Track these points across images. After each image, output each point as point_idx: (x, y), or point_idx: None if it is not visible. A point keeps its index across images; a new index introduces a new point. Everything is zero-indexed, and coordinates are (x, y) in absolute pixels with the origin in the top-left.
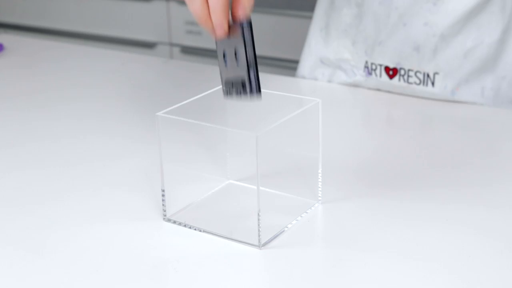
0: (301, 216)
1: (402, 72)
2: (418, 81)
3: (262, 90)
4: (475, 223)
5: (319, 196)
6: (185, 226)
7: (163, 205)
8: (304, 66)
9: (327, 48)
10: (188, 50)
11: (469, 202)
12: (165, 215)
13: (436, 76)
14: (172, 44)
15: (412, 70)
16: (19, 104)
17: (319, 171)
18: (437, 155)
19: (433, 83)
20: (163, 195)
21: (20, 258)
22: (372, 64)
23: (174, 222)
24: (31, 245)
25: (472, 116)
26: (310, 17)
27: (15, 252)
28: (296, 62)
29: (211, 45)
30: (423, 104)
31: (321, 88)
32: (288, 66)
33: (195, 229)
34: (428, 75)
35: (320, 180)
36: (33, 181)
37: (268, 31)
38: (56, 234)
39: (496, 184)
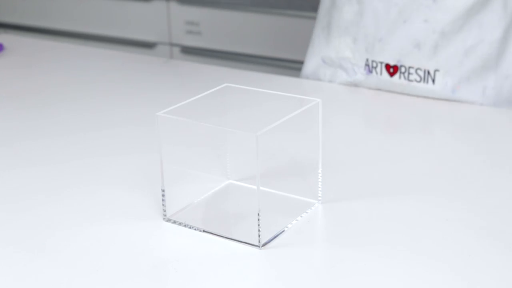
0: (301, 216)
1: (403, 69)
2: (418, 79)
3: (263, 91)
4: (475, 223)
5: (319, 196)
6: (185, 226)
7: (163, 205)
8: (308, 66)
9: (329, 46)
10: (188, 50)
11: (469, 202)
12: (165, 215)
13: (437, 73)
14: (172, 44)
15: (412, 67)
16: (19, 104)
17: (319, 171)
18: (437, 155)
19: (433, 81)
20: (163, 195)
21: (20, 258)
22: (372, 61)
23: (174, 222)
24: (31, 245)
25: (472, 116)
26: (311, 17)
27: (15, 252)
28: (297, 62)
29: (211, 45)
30: (423, 104)
31: (322, 88)
32: (288, 66)
33: (195, 229)
34: (428, 72)
35: (320, 180)
36: (33, 181)
37: (269, 31)
38: (56, 234)
39: (496, 184)
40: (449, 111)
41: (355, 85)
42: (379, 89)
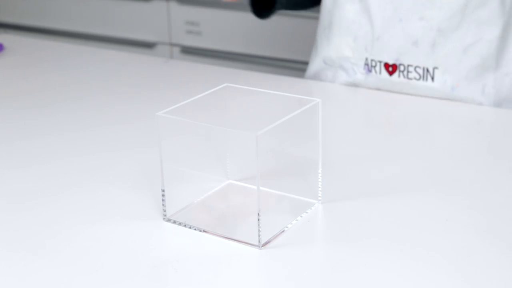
0: (301, 216)
1: (402, 68)
2: (418, 77)
3: (263, 91)
4: (475, 223)
5: (319, 196)
6: (185, 226)
7: (163, 205)
8: (311, 68)
9: (330, 46)
10: (188, 50)
11: (469, 202)
12: (165, 215)
13: (436, 70)
14: (172, 44)
15: (411, 66)
16: (19, 104)
17: (319, 171)
18: (437, 155)
19: (432, 78)
20: (163, 195)
21: (20, 258)
22: (372, 60)
23: (174, 222)
24: (31, 245)
25: (472, 116)
26: (311, 17)
27: (15, 252)
28: (297, 62)
29: (211, 45)
30: (423, 104)
31: (322, 88)
32: (289, 66)
33: (195, 229)
34: (427, 70)
35: (320, 180)
36: (33, 181)
37: (269, 31)
38: (56, 234)
39: (496, 184)
40: (449, 111)
41: (355, 85)
42: (379, 89)
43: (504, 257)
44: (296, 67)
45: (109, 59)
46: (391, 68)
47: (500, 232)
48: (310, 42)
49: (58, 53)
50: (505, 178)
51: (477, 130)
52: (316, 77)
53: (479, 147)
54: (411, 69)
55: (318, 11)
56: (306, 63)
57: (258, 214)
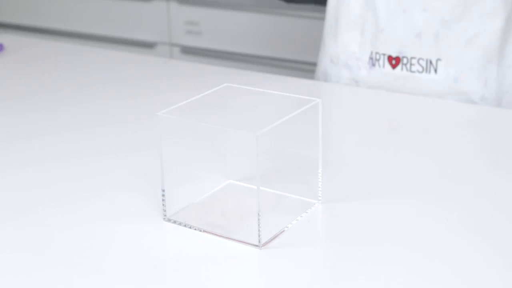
0: (301, 216)
1: (405, 60)
2: (421, 69)
3: (263, 91)
4: (475, 223)
5: (319, 196)
6: (185, 226)
7: (163, 205)
8: (320, 67)
9: (337, 43)
10: (188, 50)
11: (469, 202)
12: (165, 215)
13: (439, 62)
14: (172, 44)
15: (414, 58)
16: (19, 104)
17: (319, 171)
18: (437, 155)
19: (435, 70)
20: (163, 195)
21: (20, 258)
22: (376, 53)
23: (174, 222)
24: (31, 245)
25: (472, 116)
26: (311, 17)
27: (15, 252)
28: (297, 62)
29: (211, 45)
30: (424, 104)
31: (322, 88)
32: (289, 66)
33: (195, 229)
34: (430, 62)
35: (320, 180)
36: (33, 181)
37: (269, 31)
38: (56, 234)
39: (496, 184)
40: (449, 111)
41: (358, 81)
42: (381, 84)
43: (504, 257)
44: (296, 67)
45: (109, 59)
46: (394, 61)
47: (500, 232)
48: (310, 42)
49: (58, 53)
50: (505, 178)
51: (477, 130)
52: (324, 77)
53: (479, 147)
54: (414, 61)
55: (321, 11)
56: (306, 63)
57: (258, 214)
